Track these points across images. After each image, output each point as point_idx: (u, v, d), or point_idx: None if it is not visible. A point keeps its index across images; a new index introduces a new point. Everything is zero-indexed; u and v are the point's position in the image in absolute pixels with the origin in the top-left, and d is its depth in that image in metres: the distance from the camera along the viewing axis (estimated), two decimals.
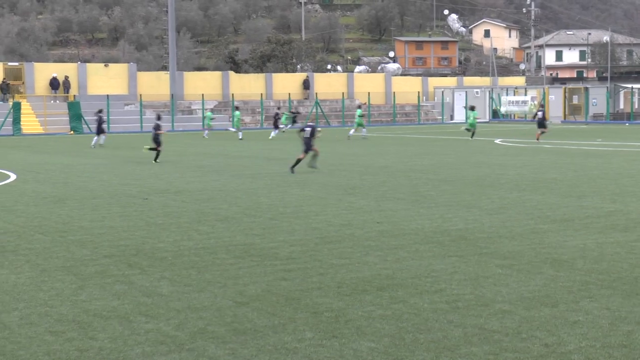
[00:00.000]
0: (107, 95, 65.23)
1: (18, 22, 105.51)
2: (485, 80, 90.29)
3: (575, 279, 11.32)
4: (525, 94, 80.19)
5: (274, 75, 77.50)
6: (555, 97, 76.98)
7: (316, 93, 74.56)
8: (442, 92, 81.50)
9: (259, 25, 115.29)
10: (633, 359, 7.98)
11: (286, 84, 75.78)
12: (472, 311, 9.68)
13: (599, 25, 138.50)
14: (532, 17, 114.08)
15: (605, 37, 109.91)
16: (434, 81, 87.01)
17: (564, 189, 21.91)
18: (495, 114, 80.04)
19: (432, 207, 18.52)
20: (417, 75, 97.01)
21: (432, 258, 12.81)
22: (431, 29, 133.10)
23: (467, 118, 53.14)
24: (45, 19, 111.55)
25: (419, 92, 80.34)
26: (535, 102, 77.46)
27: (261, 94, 71.96)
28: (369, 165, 29.68)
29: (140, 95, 67.22)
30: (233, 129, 52.89)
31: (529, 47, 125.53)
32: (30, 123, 61.27)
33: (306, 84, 76.55)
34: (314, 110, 70.85)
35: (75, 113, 60.90)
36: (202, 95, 68.67)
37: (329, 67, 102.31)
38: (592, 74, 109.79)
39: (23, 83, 66.02)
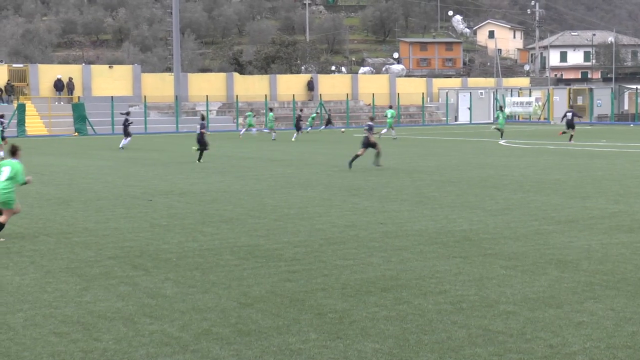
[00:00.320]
0: (112, 96, 65.28)
1: (23, 23, 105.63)
2: (490, 81, 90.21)
3: (579, 280, 11.32)
4: (530, 95, 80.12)
5: (278, 76, 77.51)
6: (560, 98, 76.88)
7: (320, 94, 74.57)
8: (447, 93, 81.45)
9: (263, 27, 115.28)
10: None
11: (290, 85, 75.79)
12: (476, 312, 9.68)
13: (603, 26, 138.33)
14: (537, 18, 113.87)
15: (610, 38, 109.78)
16: (438, 82, 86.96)
17: (568, 190, 21.89)
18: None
19: (436, 208, 18.51)
20: (422, 76, 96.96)
21: (436, 259, 12.81)
22: (435, 30, 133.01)
23: (497, 118, 53.11)
24: (50, 21, 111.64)
25: (423, 93, 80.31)
26: (540, 104, 77.42)
27: (265, 95, 71.96)
28: (373, 167, 29.65)
29: (145, 96, 67.26)
30: (267, 130, 52.90)
31: (533, 48, 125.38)
32: (34, 125, 61.34)
33: (310, 85, 76.55)
34: (318, 111, 70.81)
35: (79, 115, 60.96)
36: (207, 96, 68.70)
37: (333, 68, 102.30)
38: (597, 75, 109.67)
39: (27, 85, 66.10)
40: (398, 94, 78.18)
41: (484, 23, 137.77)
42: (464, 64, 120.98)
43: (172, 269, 12.28)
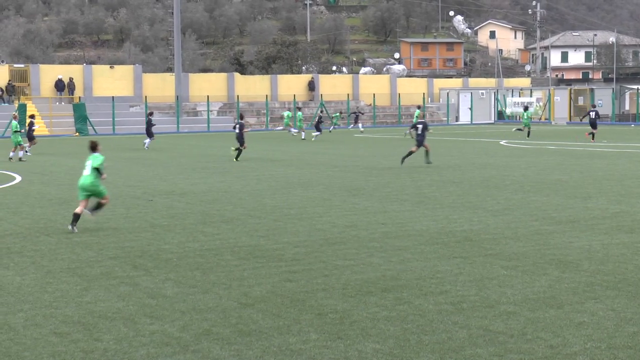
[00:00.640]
0: (113, 96, 65.30)
1: (24, 24, 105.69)
2: (491, 82, 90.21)
3: (580, 280, 11.31)
4: (531, 96, 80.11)
5: (279, 76, 77.54)
6: (561, 99, 76.86)
7: (321, 94, 74.57)
8: (448, 93, 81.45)
9: (265, 27, 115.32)
10: None
11: (291, 86, 75.79)
12: (477, 312, 9.68)
13: (604, 26, 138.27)
14: (538, 18, 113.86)
15: (611, 38, 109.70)
16: (439, 82, 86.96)
17: (569, 190, 21.88)
18: (500, 115, 80.00)
19: (436, 209, 18.51)
20: (423, 76, 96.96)
21: (436, 259, 12.81)
22: (436, 30, 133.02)
23: (522, 117, 53.13)
24: (51, 21, 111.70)
25: (424, 93, 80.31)
26: (541, 104, 77.39)
27: (266, 96, 71.97)
28: (374, 167, 29.67)
29: (146, 96, 67.27)
30: (295, 130, 52.89)
31: (534, 49, 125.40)
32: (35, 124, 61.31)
33: (311, 86, 76.56)
34: (318, 111, 70.79)
35: (80, 115, 60.99)
36: (207, 96, 68.72)
37: (334, 68, 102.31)
38: (598, 75, 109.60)
39: (28, 85, 66.14)
40: (399, 94, 78.19)
41: (485, 23, 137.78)
42: (465, 64, 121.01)
43: (172, 269, 12.29)
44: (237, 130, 34.05)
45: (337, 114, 65.68)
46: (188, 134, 62.16)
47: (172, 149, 43.05)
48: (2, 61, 74.36)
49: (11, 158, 34.72)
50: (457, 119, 79.84)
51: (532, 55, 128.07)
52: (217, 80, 73.97)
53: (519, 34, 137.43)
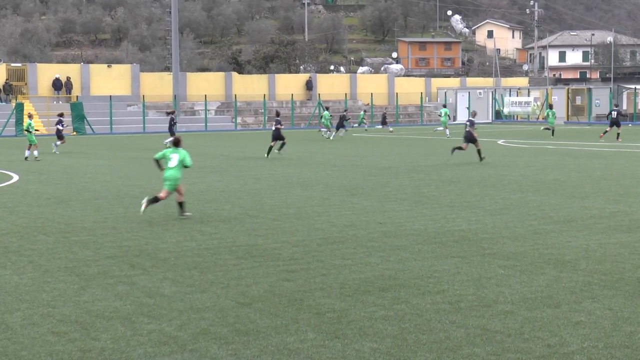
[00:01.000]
0: (110, 96, 65.29)
1: (21, 23, 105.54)
2: (489, 81, 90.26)
3: (577, 279, 11.32)
4: (528, 95, 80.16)
5: (277, 76, 77.53)
6: (559, 98, 76.91)
7: (319, 94, 74.56)
8: (445, 92, 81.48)
9: (262, 26, 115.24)
10: None
11: (289, 85, 75.80)
12: (474, 312, 9.68)
13: (602, 26, 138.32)
14: (536, 17, 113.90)
15: (609, 38, 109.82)
16: (437, 82, 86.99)
17: (567, 189, 21.90)
18: (498, 114, 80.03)
19: (435, 208, 18.52)
20: (420, 76, 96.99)
21: (434, 259, 12.81)
22: (434, 30, 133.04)
23: (547, 117, 53.14)
24: (49, 20, 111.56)
25: (421, 93, 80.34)
26: (538, 103, 77.42)
27: (264, 95, 71.97)
28: (373, 166, 29.68)
29: (143, 96, 67.27)
30: (324, 130, 52.91)
31: (532, 48, 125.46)
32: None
33: (309, 85, 76.56)
34: (316, 111, 70.79)
35: (77, 114, 60.94)
36: (205, 96, 68.71)
37: (332, 67, 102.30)
38: (595, 75, 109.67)
39: (26, 84, 66.11)
40: (397, 93, 78.23)
41: (482, 23, 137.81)
42: (463, 63, 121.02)
43: (170, 269, 12.28)
44: (273, 128, 35.49)
45: (362, 112, 65.53)
46: (185, 133, 62.14)
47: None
48: (0, 60, 74.30)
49: (27, 157, 34.61)
50: (454, 118, 79.85)
51: (530, 54, 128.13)
52: (214, 79, 73.96)
53: (517, 34, 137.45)
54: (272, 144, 35.15)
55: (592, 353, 8.15)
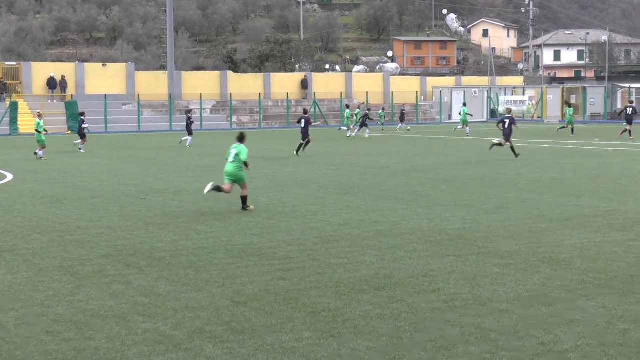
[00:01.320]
0: (105, 95, 65.21)
1: (16, 21, 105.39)
2: (484, 80, 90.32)
3: (572, 278, 11.34)
4: (524, 94, 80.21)
5: (272, 74, 77.48)
6: (554, 97, 76.97)
7: (314, 93, 74.55)
8: (440, 91, 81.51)
9: (258, 25, 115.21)
10: (629, 357, 7.99)
11: (284, 84, 75.78)
12: (469, 310, 9.69)
13: (597, 25, 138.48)
14: (531, 16, 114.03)
15: (604, 37, 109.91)
16: (432, 81, 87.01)
17: (562, 188, 21.92)
18: (493, 113, 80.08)
19: (430, 207, 18.53)
20: (416, 75, 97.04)
21: (429, 257, 12.82)
22: (430, 29, 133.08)
23: (565, 115, 53.14)
24: (43, 19, 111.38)
25: (417, 91, 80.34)
26: (534, 102, 77.50)
27: (259, 94, 71.93)
28: (368, 165, 29.69)
29: (139, 95, 67.21)
30: (345, 128, 52.88)
31: (527, 47, 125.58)
32: (27, 123, 61.13)
33: (304, 84, 76.54)
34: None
35: (72, 113, 60.82)
36: (200, 95, 68.66)
37: (327, 66, 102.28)
38: (590, 74, 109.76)
39: (20, 83, 65.98)
40: (392, 92, 78.24)
41: (478, 22, 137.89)
42: (458, 62, 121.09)
43: (165, 268, 12.28)
44: (302, 126, 35.90)
45: (381, 111, 65.28)
46: (182, 132, 62.07)
47: (166, 147, 43.03)
48: None
49: (39, 155, 34.54)
50: (449, 117, 79.90)
51: (525, 53, 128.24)
52: (210, 78, 73.91)
53: (512, 33, 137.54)
54: (302, 142, 35.68)
55: (586, 351, 8.17)
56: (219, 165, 30.36)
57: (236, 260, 12.74)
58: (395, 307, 9.89)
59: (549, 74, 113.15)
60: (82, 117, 40.40)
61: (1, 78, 65.13)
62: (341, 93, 75.82)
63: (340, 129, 54.94)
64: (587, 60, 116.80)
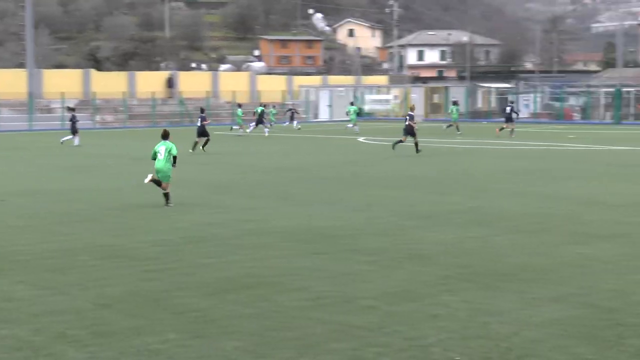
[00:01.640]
0: None
1: None
2: (350, 79, 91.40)
3: (436, 273, 11.59)
4: (388, 93, 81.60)
5: (137, 73, 76.20)
6: (418, 96, 78.60)
7: (181, 91, 73.76)
8: (307, 90, 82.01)
9: (121, 22, 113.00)
10: (489, 349, 8.22)
11: (150, 83, 74.62)
12: (335, 308, 9.77)
13: (458, 26, 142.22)
14: (395, 17, 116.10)
15: (465, 38, 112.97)
16: (298, 80, 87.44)
17: (427, 185, 22.40)
18: (359, 112, 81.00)
19: (298, 205, 18.60)
20: (282, 74, 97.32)
21: (296, 256, 12.86)
22: (296, 28, 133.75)
23: (451, 113, 53.55)
24: None
25: (283, 90, 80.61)
26: (398, 101, 78.97)
27: (123, 93, 70.65)
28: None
29: None
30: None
31: (392, 47, 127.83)
32: None
33: (170, 83, 75.59)
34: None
35: None
36: (62, 93, 66.89)
37: (193, 65, 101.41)
38: (453, 74, 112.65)
39: None
40: (259, 91, 78.22)
41: (343, 21, 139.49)
42: (324, 61, 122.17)
43: (26, 271, 11.88)
44: (198, 124, 35.95)
45: (272, 109, 64.59)
46: (42, 131, 60.30)
47: (26, 147, 41.76)
48: None
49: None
50: (316, 116, 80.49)
51: (390, 53, 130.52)
52: (72, 76, 72.06)
53: (377, 33, 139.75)
54: (197, 139, 35.41)
55: (449, 344, 8.36)
56: (84, 165, 29.66)
57: (100, 262, 12.45)
58: (262, 306, 9.88)
59: (413, 73, 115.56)
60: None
61: None
62: (207, 92, 75.29)
63: (232, 128, 54.58)
64: (450, 60, 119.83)
